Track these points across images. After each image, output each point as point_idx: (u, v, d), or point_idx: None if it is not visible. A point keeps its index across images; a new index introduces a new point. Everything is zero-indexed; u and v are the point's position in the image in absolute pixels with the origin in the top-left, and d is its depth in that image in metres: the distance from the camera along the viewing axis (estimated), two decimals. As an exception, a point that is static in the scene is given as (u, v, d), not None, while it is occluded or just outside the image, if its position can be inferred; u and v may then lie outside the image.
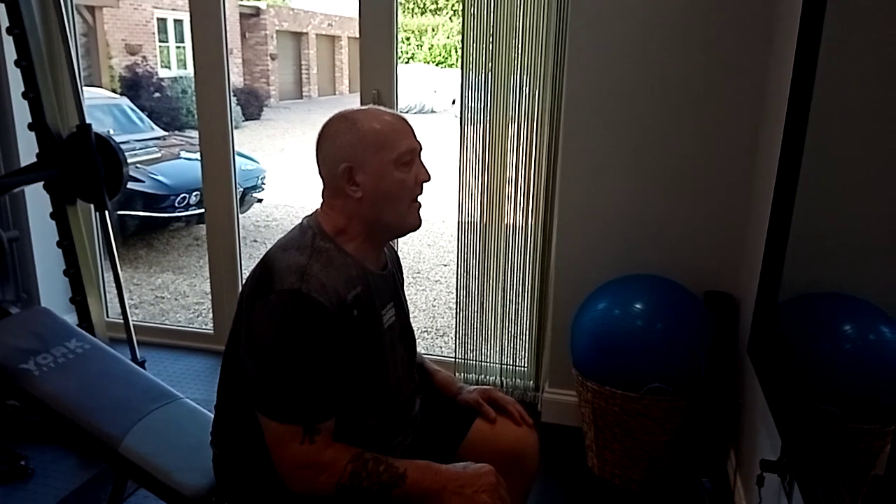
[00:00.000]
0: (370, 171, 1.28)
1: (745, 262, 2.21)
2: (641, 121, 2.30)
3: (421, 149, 1.35)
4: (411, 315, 1.56)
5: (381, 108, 1.35)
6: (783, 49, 1.88)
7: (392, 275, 1.45)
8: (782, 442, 1.43)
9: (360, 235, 1.32)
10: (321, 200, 1.36)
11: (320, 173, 1.33)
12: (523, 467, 1.52)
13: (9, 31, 2.36)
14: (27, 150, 2.76)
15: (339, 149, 1.29)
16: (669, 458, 2.20)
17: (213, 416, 1.44)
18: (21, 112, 2.70)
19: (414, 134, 1.34)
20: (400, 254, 1.60)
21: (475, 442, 1.50)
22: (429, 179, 1.34)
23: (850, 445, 1.19)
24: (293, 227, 1.37)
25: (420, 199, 1.35)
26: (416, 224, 1.37)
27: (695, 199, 2.31)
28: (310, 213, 1.38)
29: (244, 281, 1.33)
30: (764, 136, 2.13)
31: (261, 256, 1.31)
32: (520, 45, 2.44)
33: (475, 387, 1.59)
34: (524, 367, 2.77)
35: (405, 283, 1.58)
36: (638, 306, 2.18)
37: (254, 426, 1.26)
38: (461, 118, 2.57)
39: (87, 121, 2.48)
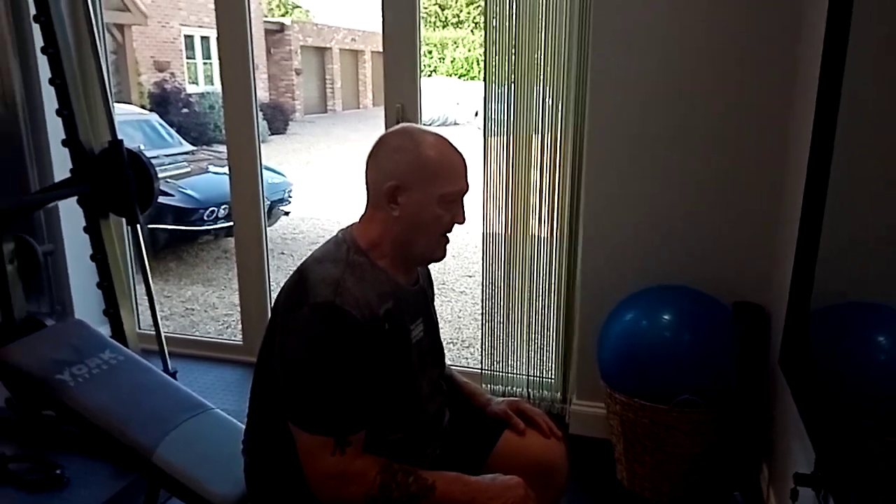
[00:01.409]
0: (414, 197, 1.28)
1: (775, 272, 2.18)
2: (667, 130, 2.29)
3: (467, 191, 1.35)
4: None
5: (448, 139, 1.34)
6: (810, 55, 1.87)
7: (423, 290, 1.46)
8: (816, 455, 1.40)
9: (391, 252, 1.33)
10: (363, 211, 1.37)
11: (366, 179, 1.34)
12: (552, 479, 1.51)
13: (43, 50, 2.43)
14: (61, 165, 2.82)
15: (394, 164, 1.29)
16: (701, 472, 2.17)
17: (243, 426, 1.46)
18: (55, 129, 2.76)
19: (467, 175, 1.35)
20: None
21: (504, 454, 1.50)
22: (463, 223, 1.35)
23: (887, 459, 1.17)
24: (328, 239, 1.38)
25: (449, 234, 1.36)
26: (440, 257, 1.38)
27: (722, 209, 2.29)
28: (346, 226, 1.39)
29: (278, 292, 1.34)
30: (793, 144, 2.10)
31: (291, 269, 1.33)
32: (542, 57, 2.45)
33: (503, 398, 1.59)
34: (551, 378, 2.76)
35: None
36: (666, 317, 2.17)
37: (285, 436, 1.28)
38: (484, 130, 2.58)
39: (119, 137, 2.54)
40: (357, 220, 1.38)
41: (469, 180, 1.36)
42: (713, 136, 2.25)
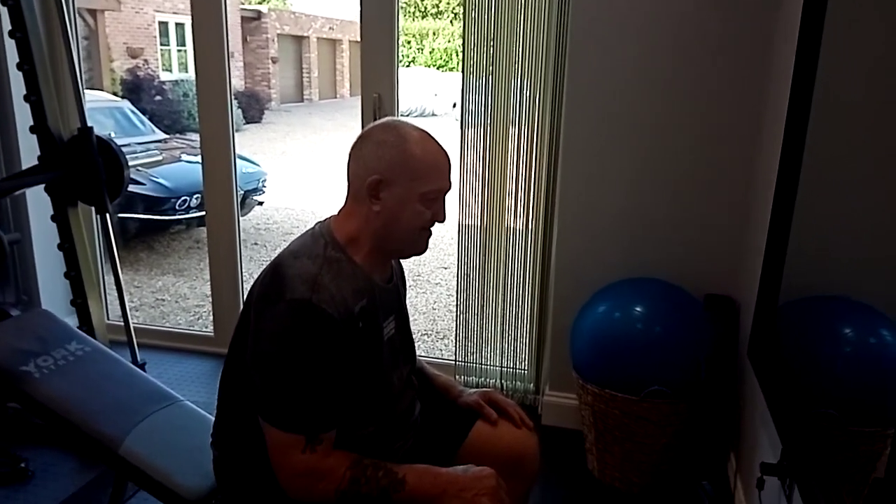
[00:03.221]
0: (396, 193, 1.27)
1: (746, 266, 2.21)
2: (642, 125, 2.30)
3: (449, 189, 1.34)
4: (412, 318, 1.56)
5: (433, 137, 1.33)
6: (784, 54, 1.89)
7: (396, 287, 1.46)
8: (782, 445, 1.43)
9: (369, 247, 1.32)
10: (343, 204, 1.35)
11: (348, 172, 1.32)
12: (523, 470, 1.52)
13: (11, 34, 2.37)
14: (28, 152, 2.76)
15: (378, 159, 1.27)
16: (670, 461, 2.20)
17: (213, 418, 1.44)
18: (23, 115, 2.70)
19: (450, 173, 1.34)
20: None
21: (475, 444, 1.50)
22: (443, 221, 1.35)
23: (851, 448, 1.19)
24: (304, 231, 1.37)
25: (432, 228, 1.36)
26: (421, 251, 1.38)
27: (695, 203, 2.31)
28: (323, 219, 1.37)
29: (252, 285, 1.33)
30: (765, 140, 2.13)
31: (265, 259, 1.32)
32: (521, 49, 2.45)
33: (475, 390, 1.59)
34: (524, 370, 2.77)
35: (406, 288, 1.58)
36: (638, 309, 2.19)
37: (255, 429, 1.26)
38: (462, 122, 2.57)
39: (89, 124, 2.49)
40: (335, 212, 1.37)
41: (451, 179, 1.35)
42: (688, 130, 2.27)
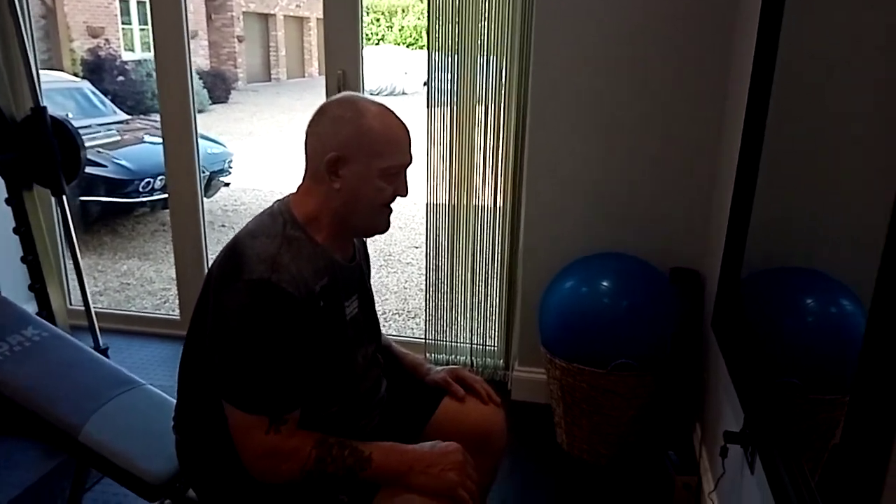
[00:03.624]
0: (355, 169, 1.24)
1: (710, 239, 2.23)
2: (608, 102, 2.30)
3: (410, 163, 1.32)
4: (383, 298, 1.54)
5: (391, 110, 1.29)
6: (746, 31, 1.89)
7: (359, 266, 1.43)
8: (745, 414, 1.45)
9: (330, 226, 1.29)
10: (301, 182, 1.32)
11: (306, 149, 1.29)
12: (490, 445, 1.52)
13: (-46, 10, 2.27)
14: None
15: (335, 135, 1.24)
16: (637, 433, 2.23)
17: (175, 401, 1.41)
18: (-28, 95, 2.60)
19: (411, 148, 1.31)
20: (371, 238, 1.57)
21: (442, 421, 1.50)
22: (405, 195, 1.32)
23: (811, 416, 1.20)
24: (262, 211, 1.34)
25: (392, 205, 1.33)
26: (383, 229, 1.35)
27: (660, 177, 2.32)
28: (281, 197, 1.34)
29: (211, 265, 1.30)
30: (729, 115, 2.14)
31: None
32: (487, 26, 2.42)
33: (443, 367, 1.59)
34: (494, 346, 2.78)
35: (376, 266, 1.56)
36: (604, 284, 2.20)
37: (217, 412, 1.24)
38: (428, 99, 2.55)
39: (44, 104, 2.41)
40: (294, 191, 1.34)
41: (413, 153, 1.33)
42: (654, 106, 2.27)
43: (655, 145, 2.30)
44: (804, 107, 1.33)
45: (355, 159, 1.24)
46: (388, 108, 1.29)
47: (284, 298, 1.17)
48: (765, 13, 1.53)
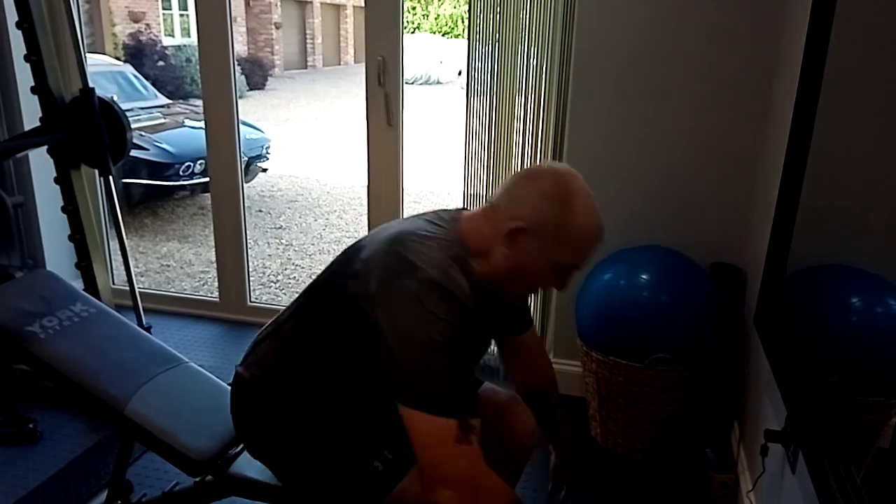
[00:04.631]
0: (533, 248, 1.21)
1: (752, 235, 2.19)
2: (649, 92, 2.27)
3: (583, 267, 1.30)
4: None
5: (598, 211, 1.25)
6: (797, 15, 1.85)
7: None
8: (787, 412, 1.42)
9: (485, 271, 1.25)
10: (484, 205, 1.29)
11: (502, 195, 1.26)
12: (515, 440, 1.50)
13: (9, -8, 2.33)
14: (30, 114, 2.74)
15: (534, 208, 1.21)
16: (673, 429, 2.21)
17: (218, 380, 1.43)
18: (24, 75, 2.67)
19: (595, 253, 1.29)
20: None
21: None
22: (561, 291, 1.34)
23: (855, 417, 1.19)
24: (426, 214, 1.32)
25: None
26: (516, 302, 1.43)
27: (702, 171, 2.29)
28: (450, 208, 1.33)
29: (346, 261, 1.29)
30: (775, 106, 2.09)
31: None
32: (528, 14, 2.39)
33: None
34: (528, 337, 2.77)
35: None
36: (644, 277, 2.18)
37: (310, 391, 1.29)
38: (467, 89, 2.53)
39: (90, 85, 2.46)
40: (466, 210, 1.33)
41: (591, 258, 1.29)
42: (696, 97, 2.24)
43: (698, 136, 2.26)
44: (862, 89, 1.28)
45: (539, 241, 1.21)
46: (595, 206, 1.25)
47: (456, 299, 1.15)
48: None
